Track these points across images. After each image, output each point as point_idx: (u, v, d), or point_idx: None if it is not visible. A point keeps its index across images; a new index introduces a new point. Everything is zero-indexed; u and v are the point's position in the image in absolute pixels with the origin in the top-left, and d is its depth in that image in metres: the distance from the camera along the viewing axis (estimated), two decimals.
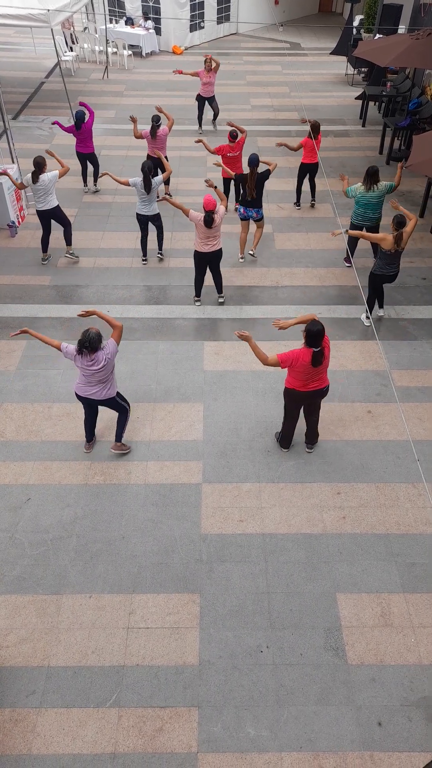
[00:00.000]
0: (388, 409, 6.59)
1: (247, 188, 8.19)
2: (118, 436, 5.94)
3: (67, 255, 8.85)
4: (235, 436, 6.25)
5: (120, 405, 5.76)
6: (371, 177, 7.80)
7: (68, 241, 8.82)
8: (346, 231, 7.22)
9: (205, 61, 12.17)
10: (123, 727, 4.14)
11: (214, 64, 12.14)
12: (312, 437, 6.02)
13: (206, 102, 12.75)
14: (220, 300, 8.13)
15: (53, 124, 10.24)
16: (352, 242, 8.47)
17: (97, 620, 4.71)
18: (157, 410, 6.52)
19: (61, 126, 9.89)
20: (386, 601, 4.86)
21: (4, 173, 8.61)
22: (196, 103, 12.95)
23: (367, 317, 7.73)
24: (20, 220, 9.81)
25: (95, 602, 4.82)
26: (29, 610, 4.77)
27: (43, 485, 5.74)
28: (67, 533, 5.32)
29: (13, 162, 10.00)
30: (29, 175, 8.06)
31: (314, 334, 5.17)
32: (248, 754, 4.02)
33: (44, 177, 8.01)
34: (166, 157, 9.82)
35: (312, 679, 4.39)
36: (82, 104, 10.14)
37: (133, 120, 9.57)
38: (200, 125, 13.26)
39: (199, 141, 9.09)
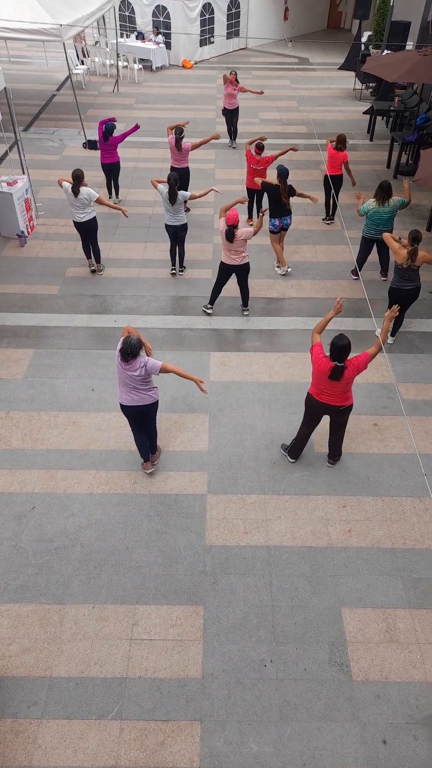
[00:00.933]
0: (394, 422, 6.57)
1: (282, 201, 8.29)
2: (146, 456, 5.89)
3: (91, 268, 8.90)
4: (241, 448, 6.24)
5: (151, 422, 5.69)
6: (385, 191, 7.82)
7: (97, 259, 8.90)
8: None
9: (225, 78, 12.30)
10: (124, 740, 4.09)
11: (230, 78, 12.23)
12: (333, 451, 5.99)
13: (232, 115, 12.84)
14: (245, 313, 8.15)
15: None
16: (362, 256, 8.49)
17: (100, 631, 4.68)
18: (163, 420, 6.52)
19: (99, 132, 9.80)
20: (392, 617, 4.81)
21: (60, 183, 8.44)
22: (224, 118, 13.08)
23: (392, 335, 7.66)
24: (30, 230, 9.90)
25: (98, 613, 4.80)
26: (32, 619, 4.75)
27: (47, 494, 5.74)
28: (71, 542, 5.30)
29: (23, 173, 10.11)
30: (70, 187, 8.06)
31: (338, 348, 5.07)
32: None
33: (84, 190, 8.04)
34: (187, 169, 9.85)
35: (316, 694, 4.34)
36: (111, 120, 10.05)
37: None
38: (231, 138, 13.34)
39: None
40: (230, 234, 7.23)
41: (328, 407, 5.48)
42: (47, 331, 7.81)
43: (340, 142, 9.24)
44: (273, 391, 6.94)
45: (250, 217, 10.19)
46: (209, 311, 8.13)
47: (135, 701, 4.29)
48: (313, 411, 5.63)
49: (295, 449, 6.00)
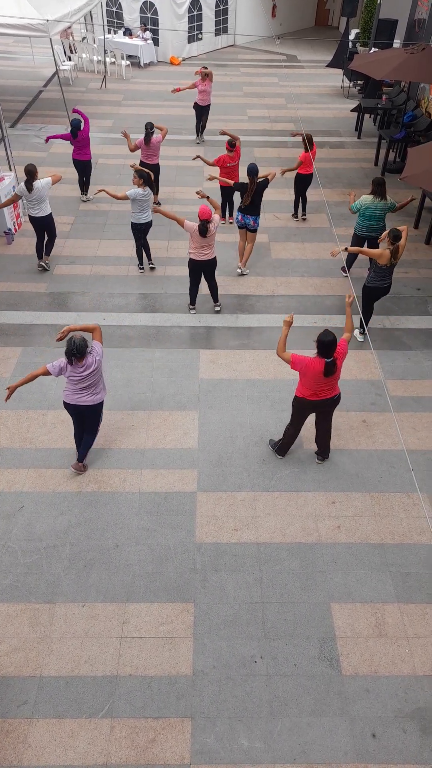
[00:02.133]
0: (382, 419, 6.61)
1: (245, 196, 8.25)
2: (82, 456, 5.83)
3: (41, 264, 8.83)
4: (231, 445, 6.25)
5: (97, 422, 5.70)
6: (381, 187, 7.84)
7: (48, 252, 8.86)
8: (345, 249, 7.16)
9: (198, 71, 12.39)
10: (115, 738, 4.10)
11: (206, 71, 12.27)
12: (323, 447, 5.99)
13: (202, 111, 12.86)
14: (216, 308, 8.15)
15: (46, 141, 10.20)
16: (353, 257, 8.52)
17: (90, 629, 4.67)
18: (152, 418, 6.51)
19: (56, 137, 9.92)
20: (381, 611, 4.85)
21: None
22: (194, 111, 13.07)
23: (361, 332, 7.64)
24: (17, 227, 9.83)
25: (88, 611, 4.79)
26: (21, 619, 4.73)
27: (36, 493, 5.71)
28: (60, 541, 5.29)
29: (10, 170, 10.03)
30: (22, 184, 8.08)
31: (326, 344, 5.15)
32: (242, 766, 3.98)
33: (38, 184, 8.04)
34: (157, 165, 9.94)
35: (306, 689, 4.37)
36: (75, 111, 10.19)
37: (125, 135, 9.65)
38: (197, 134, 13.36)
39: (197, 157, 9.16)
40: (204, 229, 7.23)
41: (324, 402, 5.53)
42: (35, 329, 7.77)
43: (309, 142, 9.27)
44: (262, 388, 6.95)
45: (223, 215, 10.18)
46: (193, 311, 8.14)
47: (125, 699, 4.29)
48: (303, 411, 5.66)
49: (283, 447, 6.03)
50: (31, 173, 7.96)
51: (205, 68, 12.47)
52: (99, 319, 7.96)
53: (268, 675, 4.44)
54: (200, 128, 13.20)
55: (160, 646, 4.58)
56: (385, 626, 4.75)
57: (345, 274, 8.94)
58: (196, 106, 12.84)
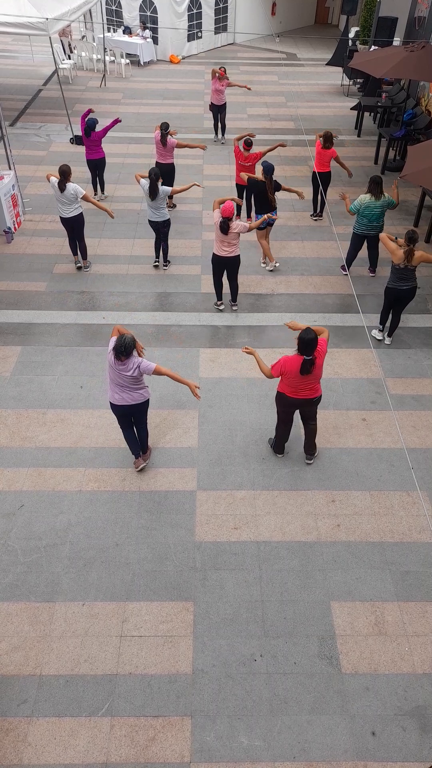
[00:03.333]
0: (382, 417, 6.61)
1: (269, 198, 8.28)
2: (145, 447, 5.89)
3: (77, 265, 8.84)
4: (230, 444, 6.25)
5: (145, 419, 5.69)
6: (378, 185, 7.84)
7: (84, 256, 8.84)
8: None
9: (213, 72, 12.31)
10: (115, 737, 4.10)
11: (218, 73, 12.24)
12: (310, 447, 5.97)
13: (219, 110, 12.81)
14: (234, 308, 8.15)
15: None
16: (352, 252, 8.51)
17: (90, 628, 4.68)
18: (152, 417, 6.51)
19: (105, 129, 9.80)
20: (380, 610, 4.85)
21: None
22: (211, 113, 13.02)
23: (380, 330, 7.65)
24: (16, 226, 9.82)
25: (88, 610, 4.79)
26: (21, 617, 4.73)
27: (36, 492, 5.71)
28: (60, 540, 5.29)
29: (9, 168, 10.02)
30: (56, 183, 8.02)
31: (306, 342, 5.14)
32: (241, 764, 3.99)
33: (70, 186, 7.99)
34: (172, 165, 9.80)
35: (306, 688, 4.37)
36: (89, 111, 10.01)
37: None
38: (216, 134, 13.29)
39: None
40: (225, 226, 7.23)
41: (304, 401, 5.52)
42: (35, 328, 7.77)
43: (327, 140, 9.25)
44: (262, 387, 6.95)
45: (248, 215, 10.15)
46: (220, 307, 8.14)
47: (125, 698, 4.29)
48: (288, 408, 5.66)
49: (278, 445, 6.03)
50: (64, 174, 7.92)
51: (223, 69, 12.34)
52: (99, 317, 7.96)
53: (267, 673, 4.44)
54: (220, 128, 13.14)
55: (160, 645, 4.59)
56: (384, 624, 4.75)
57: (345, 273, 8.93)
58: (212, 106, 12.79)
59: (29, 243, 9.49)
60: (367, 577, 5.07)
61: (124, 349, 5.09)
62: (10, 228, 9.52)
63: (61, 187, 7.96)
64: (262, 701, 4.29)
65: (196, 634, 4.65)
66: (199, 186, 8.59)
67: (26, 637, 4.61)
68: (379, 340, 7.68)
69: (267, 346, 7.54)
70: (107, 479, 5.85)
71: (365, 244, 8.48)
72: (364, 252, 8.80)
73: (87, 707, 4.24)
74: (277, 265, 9.07)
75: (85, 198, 8.06)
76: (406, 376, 7.18)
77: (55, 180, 8.00)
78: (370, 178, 7.93)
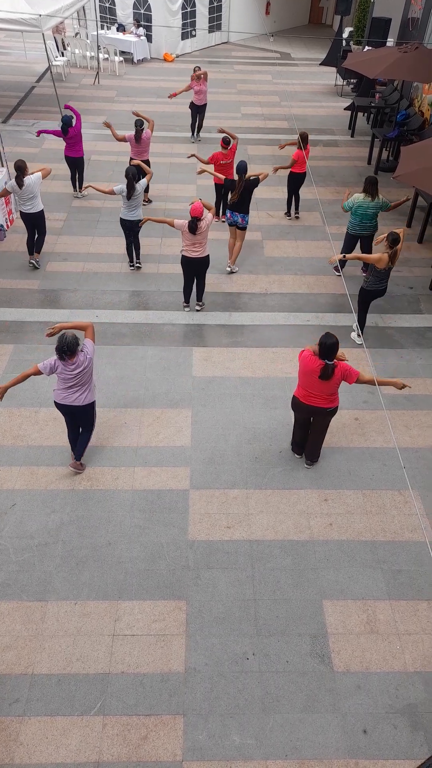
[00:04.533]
0: (374, 417, 6.64)
1: (233, 192, 8.28)
2: (79, 454, 5.80)
3: (31, 262, 8.77)
4: (223, 443, 6.25)
5: (91, 420, 5.68)
6: (373, 186, 7.86)
7: (39, 249, 8.81)
8: (344, 256, 7.07)
9: (194, 70, 12.46)
10: (107, 736, 4.10)
11: (200, 72, 12.34)
12: (310, 454, 5.94)
13: (198, 110, 12.86)
14: (197, 307, 8.12)
15: (38, 135, 10.16)
16: (346, 251, 8.53)
17: (83, 627, 4.67)
18: (145, 416, 6.51)
19: (47, 132, 9.88)
20: (372, 608, 4.87)
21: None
22: (190, 111, 13.05)
23: (359, 335, 7.63)
24: (8, 223, 9.77)
25: (80, 609, 4.78)
26: (13, 616, 4.72)
27: (28, 491, 5.69)
28: (52, 539, 5.27)
29: (2, 165, 9.96)
30: (13, 180, 8.03)
31: (328, 346, 5.04)
32: (233, 762, 4.00)
33: (28, 180, 8.00)
34: (147, 161, 9.88)
35: (298, 686, 4.38)
36: (67, 107, 10.18)
37: (107, 125, 9.76)
38: (193, 133, 13.33)
39: (192, 155, 9.19)
40: (193, 226, 7.22)
41: (314, 409, 5.44)
42: (27, 326, 7.73)
43: (305, 140, 9.28)
44: (255, 386, 6.96)
45: (217, 214, 10.16)
46: (187, 309, 8.13)
47: (118, 697, 4.29)
48: (300, 413, 5.64)
49: (295, 446, 6.04)
50: (21, 169, 7.92)
51: (199, 68, 12.52)
52: (92, 316, 7.94)
53: (260, 672, 4.45)
54: (197, 127, 13.17)
55: (153, 644, 4.58)
56: (376, 623, 4.78)
57: (338, 273, 8.96)
58: (192, 105, 12.84)
59: (22, 241, 9.43)
60: (359, 576, 5.09)
61: (68, 347, 5.07)
62: (2, 225, 9.46)
63: (19, 183, 7.94)
64: (254, 700, 4.30)
65: (188, 632, 4.66)
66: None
67: (18, 636, 4.59)
68: (359, 344, 7.63)
69: (260, 346, 7.55)
70: (100, 478, 5.83)
71: (358, 243, 8.50)
72: (357, 251, 8.83)
73: (79, 706, 4.23)
74: (236, 270, 8.96)
75: (45, 173, 8.15)
76: (398, 375, 7.21)
77: (12, 182, 7.99)
78: (365, 178, 7.96)
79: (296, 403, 5.56)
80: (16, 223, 9.90)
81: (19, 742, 4.04)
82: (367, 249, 8.63)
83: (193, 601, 4.86)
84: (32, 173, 8.17)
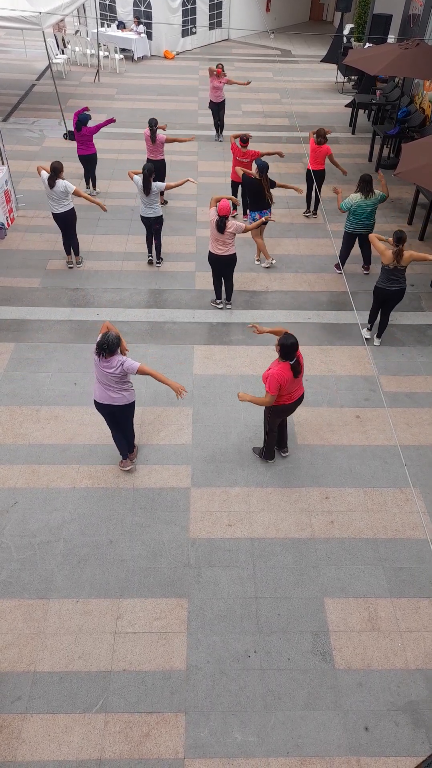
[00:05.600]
0: (376, 414, 6.63)
1: (264, 195, 8.29)
2: (125, 455, 5.84)
3: (69, 265, 8.79)
4: (224, 441, 6.25)
5: (131, 420, 5.64)
6: (368, 184, 7.85)
7: (76, 251, 8.80)
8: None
9: (210, 71, 12.26)
10: (109, 733, 4.10)
11: (216, 71, 12.20)
12: (283, 442, 6.07)
13: (218, 107, 12.69)
14: (228, 306, 8.14)
15: (112, 121, 10.00)
16: (345, 250, 8.52)
17: (84, 625, 4.68)
18: (146, 414, 6.51)
19: (100, 125, 9.79)
20: (373, 606, 4.88)
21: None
22: (210, 111, 12.93)
23: (368, 330, 7.65)
24: (10, 221, 9.76)
25: (82, 607, 4.79)
26: (15, 614, 4.73)
27: (30, 489, 5.70)
28: (54, 537, 5.28)
29: (3, 164, 9.96)
30: (46, 178, 7.97)
31: (289, 347, 5.13)
32: (235, 760, 4.00)
33: (60, 183, 7.95)
34: (163, 162, 9.81)
35: (299, 683, 4.39)
36: (85, 109, 10.10)
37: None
38: (217, 132, 13.17)
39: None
40: (221, 224, 7.21)
41: (298, 400, 5.58)
42: (28, 325, 7.73)
43: (320, 136, 9.26)
44: (256, 384, 6.95)
45: (245, 213, 10.12)
46: (219, 306, 8.13)
47: (119, 694, 4.30)
48: (282, 416, 5.69)
49: (270, 452, 5.97)
50: (56, 170, 7.87)
51: (221, 65, 12.31)
52: (92, 314, 7.94)
53: (261, 669, 4.46)
54: (219, 126, 13.07)
55: (154, 642, 4.59)
56: (377, 620, 4.78)
57: (339, 271, 8.94)
58: (211, 104, 12.67)
59: (23, 239, 9.44)
60: (361, 574, 5.09)
61: (107, 346, 5.06)
62: (3, 224, 9.46)
63: (51, 183, 7.92)
64: (255, 697, 4.31)
65: (190, 630, 4.66)
66: (193, 182, 8.57)
67: (20, 634, 4.60)
68: (367, 339, 7.67)
69: (261, 343, 7.55)
70: (101, 476, 5.84)
71: (356, 242, 8.48)
72: (357, 249, 8.82)
73: (81, 704, 4.24)
74: (274, 262, 9.06)
75: (76, 193, 8.02)
76: (400, 373, 7.20)
77: (45, 174, 7.96)
78: (360, 177, 7.94)
79: (283, 409, 5.54)
80: (17, 221, 9.89)
81: (21, 740, 4.05)
82: (366, 246, 8.61)
83: (194, 598, 4.87)
84: (66, 180, 7.99)
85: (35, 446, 6.11)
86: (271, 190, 8.45)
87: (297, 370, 5.24)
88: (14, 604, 4.79)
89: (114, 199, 10.60)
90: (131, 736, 4.10)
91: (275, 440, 5.93)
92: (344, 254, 8.55)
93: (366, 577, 5.07)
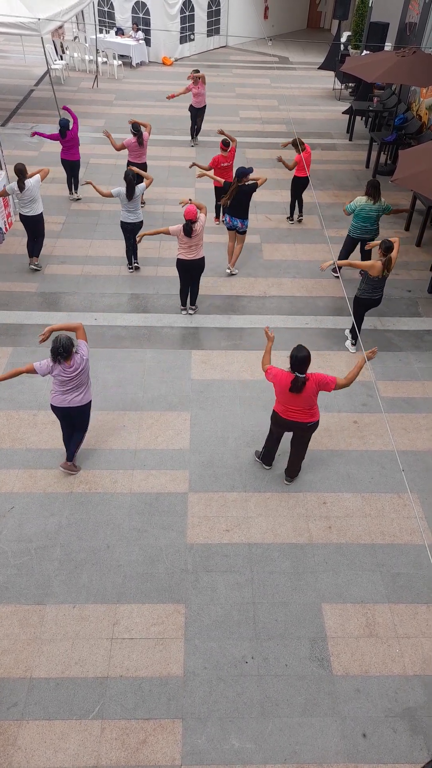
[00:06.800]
0: (373, 420, 6.64)
1: (224, 196, 8.32)
2: (71, 455, 5.78)
3: (32, 266, 8.79)
4: (222, 446, 6.25)
5: (87, 420, 5.68)
6: (376, 189, 7.87)
7: (37, 252, 8.82)
8: (333, 262, 6.90)
9: (192, 73, 12.52)
10: (106, 740, 4.08)
11: (198, 75, 12.41)
12: (291, 471, 5.82)
13: (198, 113, 12.89)
14: (190, 311, 8.12)
15: (32, 135, 10.20)
16: (344, 254, 8.55)
17: (81, 631, 4.65)
18: (144, 419, 6.50)
19: (43, 135, 9.92)
20: (371, 612, 4.87)
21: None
22: (189, 114, 13.09)
23: (353, 344, 7.58)
24: (7, 226, 9.77)
25: (79, 612, 4.77)
26: (11, 620, 4.70)
27: (27, 494, 5.68)
28: (51, 542, 5.26)
29: (1, 169, 9.97)
30: (14, 183, 8.06)
31: (299, 360, 4.93)
32: (232, 767, 3.98)
33: (29, 182, 8.04)
34: (144, 165, 9.94)
35: (297, 690, 4.37)
36: (65, 108, 10.23)
37: (107, 135, 9.75)
38: (192, 136, 13.36)
39: (193, 165, 9.22)
40: (188, 229, 7.23)
41: (294, 424, 5.32)
42: (26, 329, 7.73)
43: (295, 146, 9.32)
44: (254, 389, 6.96)
45: (217, 216, 10.22)
46: (184, 312, 8.13)
47: (116, 700, 4.27)
48: (279, 428, 5.53)
49: (266, 457, 5.93)
50: (21, 172, 7.95)
51: (197, 71, 12.56)
52: (90, 319, 7.94)
53: (259, 675, 4.44)
54: (195, 130, 13.21)
55: (151, 647, 4.57)
56: (375, 626, 4.77)
57: (336, 275, 8.97)
58: (191, 108, 12.88)
59: (20, 244, 9.44)
60: (358, 579, 5.09)
61: (63, 350, 5.05)
62: (0, 228, 9.47)
63: (21, 186, 7.97)
64: (253, 703, 4.29)
65: (187, 636, 4.64)
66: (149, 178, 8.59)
67: (16, 640, 4.58)
68: (353, 352, 7.56)
69: (259, 349, 7.55)
70: (98, 481, 5.82)
71: (359, 246, 8.51)
72: (356, 252, 8.84)
73: (77, 710, 4.22)
74: (236, 272, 8.96)
75: (42, 174, 8.18)
76: (397, 378, 7.22)
77: (12, 185, 8.02)
78: (368, 181, 7.98)
79: (276, 418, 5.44)
80: (15, 225, 9.90)
81: (17, 746, 4.02)
82: (366, 252, 8.64)
83: (191, 604, 4.85)
84: (31, 175, 8.19)
85: (32, 450, 6.09)
86: (257, 194, 8.41)
87: (296, 386, 5.00)
88: (10, 610, 4.76)
89: (111, 204, 10.61)
90: (128, 742, 4.07)
91: (272, 449, 5.84)
92: (343, 257, 8.57)
93: (363, 582, 5.07)
